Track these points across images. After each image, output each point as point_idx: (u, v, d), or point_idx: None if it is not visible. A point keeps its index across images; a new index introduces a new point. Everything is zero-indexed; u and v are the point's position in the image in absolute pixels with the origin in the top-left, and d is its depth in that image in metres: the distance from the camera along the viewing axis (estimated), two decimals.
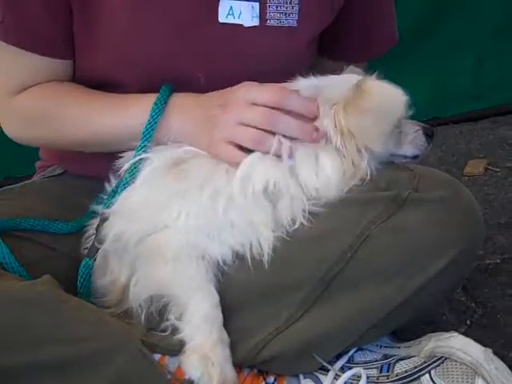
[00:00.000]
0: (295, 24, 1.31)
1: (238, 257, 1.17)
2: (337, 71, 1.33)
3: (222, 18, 1.28)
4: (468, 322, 1.42)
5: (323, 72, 1.28)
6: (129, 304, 1.19)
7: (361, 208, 1.14)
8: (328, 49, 1.49)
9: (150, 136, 1.22)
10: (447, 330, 1.20)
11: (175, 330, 1.14)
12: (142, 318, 1.18)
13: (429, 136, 1.24)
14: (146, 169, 1.20)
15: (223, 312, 1.16)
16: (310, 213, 1.15)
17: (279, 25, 1.30)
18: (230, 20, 1.28)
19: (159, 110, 1.23)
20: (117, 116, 1.29)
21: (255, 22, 1.29)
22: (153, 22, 1.28)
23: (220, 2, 1.28)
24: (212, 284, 1.15)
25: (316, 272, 1.14)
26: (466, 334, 1.24)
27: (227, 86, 1.22)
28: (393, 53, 2.62)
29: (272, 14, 1.30)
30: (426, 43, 2.64)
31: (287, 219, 1.16)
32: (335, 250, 1.13)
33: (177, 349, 1.16)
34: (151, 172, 1.19)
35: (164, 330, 1.18)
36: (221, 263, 1.16)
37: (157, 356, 1.14)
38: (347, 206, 1.15)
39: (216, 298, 1.15)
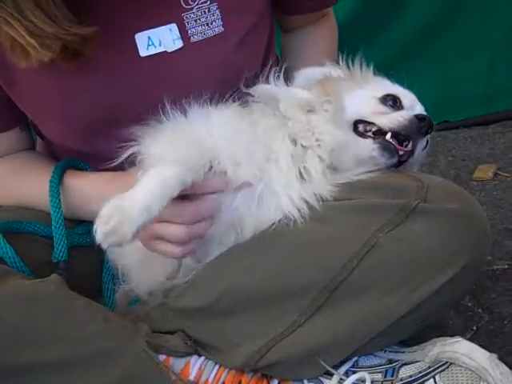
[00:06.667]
0: (222, 29, 1.26)
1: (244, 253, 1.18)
2: (301, 26, 1.48)
3: (143, 52, 1.24)
4: (474, 328, 1.40)
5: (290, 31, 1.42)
6: None
7: (368, 215, 1.14)
8: (284, 8, 1.45)
9: (59, 214, 1.27)
10: (453, 335, 1.20)
11: None
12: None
13: (419, 119, 1.20)
14: None
15: (226, 312, 1.17)
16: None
17: (205, 37, 1.25)
18: (152, 51, 1.24)
19: (55, 197, 1.27)
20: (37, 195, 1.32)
21: (178, 45, 1.24)
22: (78, 81, 1.25)
23: (136, 37, 1.24)
24: None
25: (321, 278, 1.13)
26: (471, 339, 1.24)
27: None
28: (404, 55, 2.65)
29: (194, 30, 1.24)
30: (438, 46, 2.63)
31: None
32: (341, 256, 1.13)
33: (181, 350, 1.17)
34: None
35: (170, 332, 1.19)
36: None
37: (161, 357, 1.16)
38: (355, 213, 1.15)
39: None
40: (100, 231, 1.04)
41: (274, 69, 1.28)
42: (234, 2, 1.28)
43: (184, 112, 1.18)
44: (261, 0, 1.34)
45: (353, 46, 2.52)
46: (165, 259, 1.21)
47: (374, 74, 1.33)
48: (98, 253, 1.30)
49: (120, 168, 1.19)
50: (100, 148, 1.27)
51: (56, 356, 1.11)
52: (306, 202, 1.17)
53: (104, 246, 1.05)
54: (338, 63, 1.34)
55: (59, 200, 1.27)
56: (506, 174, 2.12)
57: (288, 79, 1.29)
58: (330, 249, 1.15)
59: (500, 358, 1.15)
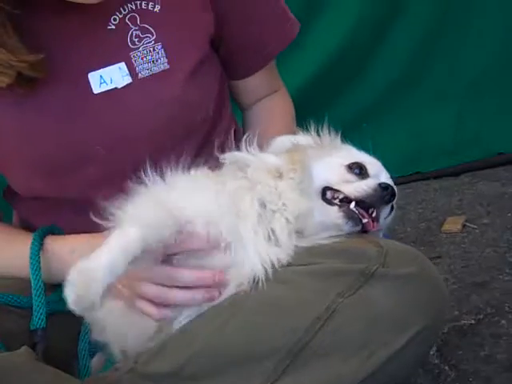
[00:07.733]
0: (167, 66, 1.35)
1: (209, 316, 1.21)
2: (257, 88, 1.55)
3: (96, 90, 1.33)
4: None
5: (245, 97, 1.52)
6: None
7: (329, 280, 1.17)
8: (234, 72, 1.53)
9: (39, 282, 1.29)
10: None
11: None
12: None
13: (382, 188, 1.24)
14: None
15: (193, 377, 1.18)
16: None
17: (152, 73, 1.34)
18: (104, 88, 1.33)
19: (36, 264, 1.29)
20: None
21: (127, 81, 1.33)
22: (34, 121, 1.32)
23: (89, 76, 1.33)
24: None
25: (285, 342, 1.15)
26: None
27: (127, 150, 1.30)
28: (374, 110, 2.72)
29: (141, 67, 1.34)
30: (406, 100, 2.71)
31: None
32: (304, 321, 1.15)
33: None
34: None
35: None
36: None
37: None
38: (317, 278, 1.18)
39: None
40: (70, 297, 1.06)
41: (246, 135, 1.33)
42: (177, 41, 1.37)
43: (162, 175, 1.23)
44: (203, 41, 1.42)
45: (323, 104, 2.59)
46: (145, 320, 1.24)
47: (342, 141, 1.38)
48: (75, 319, 1.32)
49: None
50: (66, 191, 1.34)
51: None
52: (272, 263, 1.20)
53: (77, 311, 1.07)
54: (308, 130, 1.38)
55: (39, 266, 1.29)
56: (474, 226, 2.16)
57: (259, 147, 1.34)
58: (293, 313, 1.17)
59: None
